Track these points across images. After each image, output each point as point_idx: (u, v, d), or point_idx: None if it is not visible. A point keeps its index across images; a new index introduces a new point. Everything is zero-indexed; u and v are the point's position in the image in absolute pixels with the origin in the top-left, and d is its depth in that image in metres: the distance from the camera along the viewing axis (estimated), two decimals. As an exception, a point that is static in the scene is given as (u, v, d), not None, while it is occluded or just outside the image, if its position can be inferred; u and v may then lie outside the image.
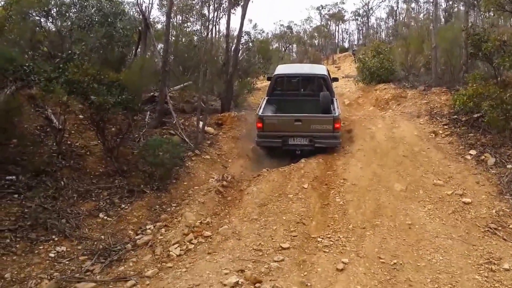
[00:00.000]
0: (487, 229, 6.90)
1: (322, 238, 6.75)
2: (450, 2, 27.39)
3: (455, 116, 11.31)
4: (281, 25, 57.62)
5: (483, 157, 9.18)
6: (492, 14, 13.35)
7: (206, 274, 5.79)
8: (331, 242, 6.63)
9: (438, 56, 14.71)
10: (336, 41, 62.69)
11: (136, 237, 7.17)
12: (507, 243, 6.56)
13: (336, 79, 14.70)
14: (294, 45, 54.92)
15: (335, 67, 35.29)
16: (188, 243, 6.83)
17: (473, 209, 7.49)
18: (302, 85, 12.20)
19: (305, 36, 58.11)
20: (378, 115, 12.95)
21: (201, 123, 11.09)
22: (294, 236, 6.77)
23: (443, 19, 25.44)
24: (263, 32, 60.55)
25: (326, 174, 9.04)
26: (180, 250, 6.66)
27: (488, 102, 9.77)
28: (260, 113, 10.45)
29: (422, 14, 42.46)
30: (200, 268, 5.97)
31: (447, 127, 10.87)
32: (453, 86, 13.38)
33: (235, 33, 15.37)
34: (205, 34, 14.78)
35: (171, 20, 14.46)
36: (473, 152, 9.46)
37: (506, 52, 10.57)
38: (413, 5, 48.13)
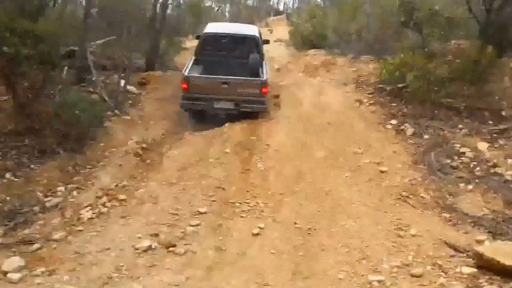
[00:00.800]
0: (399, 197, 7.11)
1: (240, 203, 6.72)
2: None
3: (381, 86, 11.45)
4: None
5: (403, 127, 9.41)
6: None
7: (118, 238, 5.70)
8: (249, 208, 6.63)
9: (371, 23, 14.78)
10: (271, 3, 61.85)
11: (45, 200, 6.79)
12: (415, 210, 6.80)
13: (267, 41, 14.06)
14: (228, 5, 53.45)
15: (268, 30, 34.65)
16: (101, 206, 6.59)
17: (388, 178, 7.70)
18: (232, 45, 11.64)
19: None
20: (306, 82, 12.94)
21: (122, 82, 10.57)
22: (212, 201, 6.71)
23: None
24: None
25: (249, 139, 8.96)
26: (92, 213, 6.41)
27: (413, 73, 9.98)
28: (186, 73, 9.95)
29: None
30: (112, 232, 5.85)
31: (371, 96, 11.03)
32: (382, 55, 13.54)
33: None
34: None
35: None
36: (394, 122, 9.67)
37: (436, 22, 10.72)
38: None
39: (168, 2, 13.63)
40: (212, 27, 12.34)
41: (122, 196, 6.86)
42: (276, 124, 9.59)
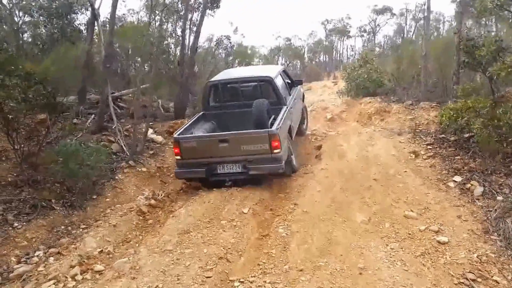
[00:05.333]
0: (462, 281, 5.21)
1: (242, 281, 5.14)
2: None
3: (443, 135, 9.65)
4: (279, 36, 55.12)
5: (469, 185, 7.49)
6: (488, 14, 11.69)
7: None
8: (251, 290, 5.01)
9: (428, 66, 13.07)
10: (340, 58, 61.16)
11: (16, 266, 5.66)
12: (487, 302, 4.91)
13: (299, 82, 11.64)
14: (298, 62, 52.65)
15: (332, 82, 33.99)
16: (69, 279, 5.29)
17: (449, 252, 5.78)
18: (243, 92, 9.35)
19: (309, 52, 56.53)
20: (355, 131, 11.32)
21: (143, 130, 9.49)
22: (207, 278, 5.15)
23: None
24: (244, 36, 57.94)
25: (276, 196, 7.45)
26: (54, 288, 5.09)
27: (480, 120, 8.18)
28: (175, 135, 8.12)
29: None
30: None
31: (430, 147, 9.19)
32: (444, 101, 11.75)
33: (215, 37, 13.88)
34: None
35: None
36: (458, 178, 7.77)
37: (504, 59, 8.95)
38: (421, 21, 46.46)
39: (197, 46, 12.52)
40: (221, 75, 10.42)
41: (99, 267, 5.54)
42: (311, 179, 7.97)
